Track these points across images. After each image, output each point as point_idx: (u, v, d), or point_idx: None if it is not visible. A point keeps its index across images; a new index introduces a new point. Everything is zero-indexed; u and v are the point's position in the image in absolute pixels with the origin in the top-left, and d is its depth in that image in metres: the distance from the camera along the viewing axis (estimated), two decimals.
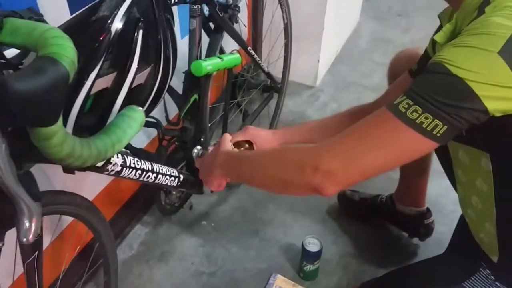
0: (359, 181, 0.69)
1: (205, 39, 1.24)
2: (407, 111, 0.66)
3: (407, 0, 2.98)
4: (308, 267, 1.33)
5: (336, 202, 1.59)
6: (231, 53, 1.21)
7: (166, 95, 1.13)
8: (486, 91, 0.64)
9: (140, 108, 0.56)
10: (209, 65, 1.10)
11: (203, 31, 1.21)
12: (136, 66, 0.54)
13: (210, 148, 0.98)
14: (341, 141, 0.70)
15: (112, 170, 0.89)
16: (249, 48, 1.31)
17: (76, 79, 0.52)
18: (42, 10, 0.83)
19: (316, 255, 1.31)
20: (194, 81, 1.12)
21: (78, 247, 1.16)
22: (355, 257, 1.42)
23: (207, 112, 1.20)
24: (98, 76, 0.51)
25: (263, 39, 1.91)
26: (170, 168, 1.10)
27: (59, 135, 0.43)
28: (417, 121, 0.65)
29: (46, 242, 1.08)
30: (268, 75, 1.53)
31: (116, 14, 0.51)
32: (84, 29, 0.51)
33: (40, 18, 0.47)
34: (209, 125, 1.25)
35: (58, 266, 1.17)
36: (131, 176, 0.95)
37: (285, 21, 1.66)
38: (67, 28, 0.51)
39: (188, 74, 1.12)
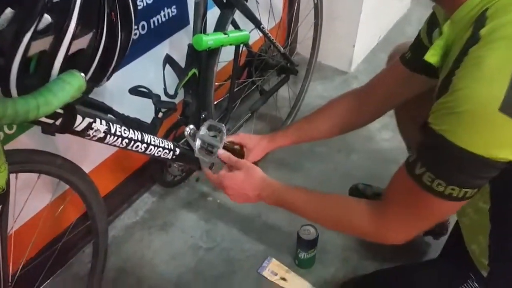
0: None
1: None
2: (433, 184, 0.68)
3: None
4: (303, 255, 1.30)
5: (347, 194, 1.53)
6: (241, 29, 1.19)
7: (169, 70, 1.15)
8: (503, 152, 0.62)
9: (80, 74, 0.57)
10: (210, 39, 1.09)
11: (215, 5, 1.20)
12: (73, 31, 0.54)
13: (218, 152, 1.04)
14: (392, 221, 0.79)
15: (94, 136, 0.92)
16: (262, 26, 1.28)
17: (12, 39, 0.53)
18: None
19: (310, 244, 1.27)
20: (195, 55, 1.11)
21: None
22: (357, 252, 1.37)
23: (210, 88, 1.19)
24: (34, 38, 0.52)
25: (294, 18, 1.85)
26: (164, 140, 1.11)
27: None
28: (446, 193, 0.68)
29: (45, 202, 1.14)
30: (285, 56, 1.48)
31: None
32: None
33: None
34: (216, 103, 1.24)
35: (60, 226, 1.24)
36: (117, 144, 0.97)
37: (315, 1, 1.60)
38: None
39: (190, 48, 1.11)
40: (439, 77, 0.76)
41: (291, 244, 1.38)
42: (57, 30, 0.54)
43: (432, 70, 0.87)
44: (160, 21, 1.31)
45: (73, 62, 0.58)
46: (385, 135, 1.76)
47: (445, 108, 0.64)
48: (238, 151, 1.13)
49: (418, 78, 0.98)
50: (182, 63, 1.17)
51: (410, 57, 0.98)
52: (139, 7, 1.21)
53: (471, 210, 0.86)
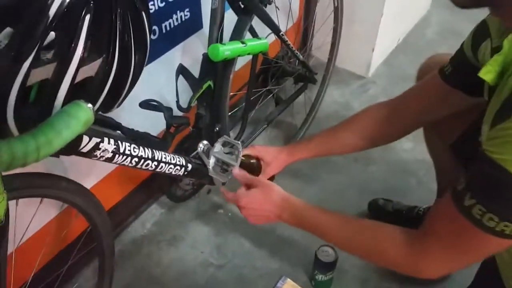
0: None
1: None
2: (483, 219, 0.61)
3: None
4: (320, 277, 1.23)
5: (366, 210, 1.46)
6: (259, 37, 1.11)
7: (181, 79, 1.07)
8: None
9: (88, 105, 0.49)
10: (227, 50, 1.01)
11: (232, 11, 1.12)
12: (80, 57, 0.46)
13: (233, 165, 0.97)
14: (432, 256, 0.71)
15: (102, 157, 0.85)
16: (281, 33, 1.20)
17: (10, 65, 0.46)
18: None
19: (329, 266, 1.20)
20: (210, 66, 1.03)
21: None
22: (377, 272, 1.30)
23: (225, 101, 1.12)
24: (34, 65, 0.45)
25: (314, 23, 1.76)
26: (176, 156, 1.04)
27: None
28: (497, 229, 0.61)
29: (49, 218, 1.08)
30: (304, 64, 1.40)
31: None
32: (21, 7, 0.44)
33: None
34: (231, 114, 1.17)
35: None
36: (125, 163, 0.90)
37: (335, 4, 1.51)
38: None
39: (205, 58, 1.03)
40: (491, 97, 0.68)
41: (307, 262, 1.31)
42: (62, 56, 0.46)
43: (476, 88, 0.79)
44: (172, 25, 1.24)
45: (80, 91, 0.51)
46: (406, 146, 1.68)
47: (506, 135, 0.57)
48: (255, 165, 1.05)
49: (458, 95, 0.90)
50: (195, 68, 1.09)
51: (451, 71, 0.90)
52: (150, 11, 1.14)
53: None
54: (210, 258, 1.34)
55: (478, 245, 0.66)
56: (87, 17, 0.46)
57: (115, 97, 0.57)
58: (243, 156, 1.01)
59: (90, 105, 0.50)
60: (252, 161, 1.04)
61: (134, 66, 0.55)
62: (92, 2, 0.46)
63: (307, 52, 1.80)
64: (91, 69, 0.50)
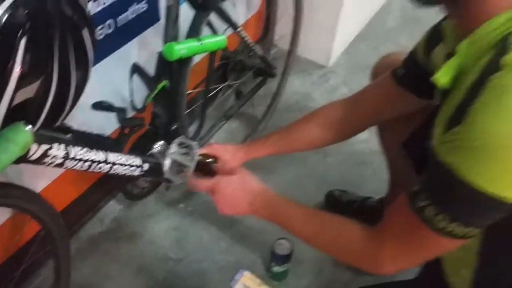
0: None
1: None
2: (434, 219, 0.64)
3: None
4: (277, 269, 1.27)
5: (323, 201, 1.50)
6: (216, 34, 1.10)
7: (136, 78, 1.05)
8: None
9: (27, 127, 0.48)
10: (183, 48, 1.00)
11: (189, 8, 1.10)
12: (16, 81, 0.45)
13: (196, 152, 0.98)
14: (388, 252, 0.74)
15: (52, 163, 0.83)
16: (239, 29, 1.19)
17: None
18: None
19: (285, 259, 1.24)
20: (165, 65, 1.01)
21: None
22: (331, 264, 1.35)
23: (182, 99, 1.11)
24: None
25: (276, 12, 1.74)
26: (131, 157, 1.02)
27: None
28: (447, 230, 0.64)
29: None
30: (262, 58, 1.40)
31: None
32: None
33: None
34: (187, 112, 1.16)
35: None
36: (77, 167, 0.88)
37: None
38: None
39: (160, 57, 1.02)
40: (444, 101, 0.69)
41: (264, 254, 1.34)
42: None
43: (427, 91, 0.81)
44: (128, 18, 1.20)
45: (20, 112, 0.49)
46: (362, 137, 1.71)
47: (458, 140, 0.59)
48: (212, 165, 1.06)
49: (410, 97, 0.93)
50: (152, 62, 1.07)
51: (403, 74, 0.92)
52: (105, 4, 1.10)
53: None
54: (169, 252, 1.35)
55: (430, 245, 0.69)
56: (23, 39, 0.44)
57: (58, 114, 0.56)
58: (200, 155, 1.01)
59: (29, 126, 0.49)
60: (208, 160, 1.05)
61: (75, 84, 0.54)
62: (28, 23, 0.44)
63: (270, 43, 1.80)
64: (30, 91, 0.48)
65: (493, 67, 0.56)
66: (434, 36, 0.86)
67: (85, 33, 0.51)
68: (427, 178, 0.66)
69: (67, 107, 0.56)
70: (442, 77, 0.65)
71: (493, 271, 0.78)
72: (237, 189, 0.89)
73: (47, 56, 0.48)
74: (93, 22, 0.53)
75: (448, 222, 0.63)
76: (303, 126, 1.07)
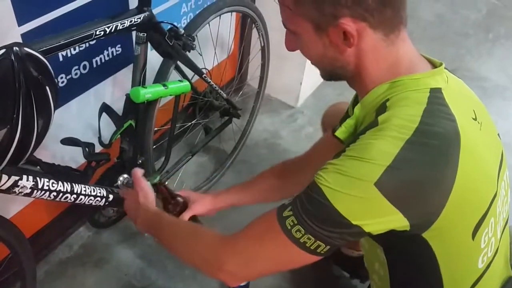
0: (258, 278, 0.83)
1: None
2: (293, 229, 0.71)
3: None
4: None
5: None
6: (180, 80, 1.22)
7: (105, 116, 1.16)
8: (363, 221, 0.69)
9: None
10: (148, 92, 1.11)
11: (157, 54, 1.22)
12: None
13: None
14: (239, 249, 0.79)
15: (21, 192, 0.92)
16: (204, 76, 1.32)
17: None
18: None
19: None
20: (132, 106, 1.13)
21: None
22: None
23: (148, 137, 1.22)
24: None
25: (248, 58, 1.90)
26: (97, 188, 1.12)
27: None
28: (301, 240, 0.71)
29: None
30: (228, 101, 1.53)
31: None
32: None
33: None
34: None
35: None
36: (44, 197, 0.98)
37: (262, 44, 1.65)
38: None
39: (128, 98, 1.13)
40: None
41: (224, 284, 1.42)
42: None
43: None
44: (103, 60, 1.32)
45: None
46: None
47: (333, 166, 0.72)
48: (182, 202, 1.13)
49: None
50: (123, 102, 1.18)
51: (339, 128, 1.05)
52: (82, 48, 1.22)
53: (376, 277, 0.94)
54: (133, 280, 1.42)
55: (282, 253, 0.75)
56: None
57: (21, 155, 0.66)
58: (171, 193, 1.10)
59: None
60: (178, 198, 1.13)
61: (37, 131, 0.64)
62: None
63: (243, 82, 1.94)
64: None
65: (373, 124, 0.73)
66: (356, 97, 1.00)
67: (48, 89, 0.62)
68: (299, 194, 0.75)
69: (30, 149, 0.66)
70: (341, 133, 0.84)
71: None
72: (132, 201, 1.04)
73: (13, 109, 0.58)
74: (56, 82, 0.64)
75: (303, 234, 0.70)
76: (262, 177, 1.17)
